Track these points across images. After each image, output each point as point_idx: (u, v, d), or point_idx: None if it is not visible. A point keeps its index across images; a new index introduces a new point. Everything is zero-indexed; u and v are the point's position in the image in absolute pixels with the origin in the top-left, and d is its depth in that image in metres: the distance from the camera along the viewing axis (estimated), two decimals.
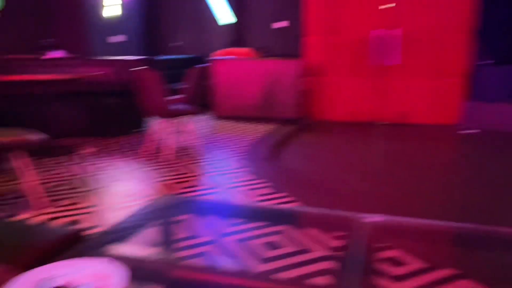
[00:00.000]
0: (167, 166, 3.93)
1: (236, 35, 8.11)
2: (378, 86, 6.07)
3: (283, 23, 7.75)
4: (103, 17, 7.90)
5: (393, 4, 5.74)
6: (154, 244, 1.46)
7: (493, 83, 5.74)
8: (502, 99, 5.62)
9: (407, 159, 4.44)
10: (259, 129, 5.63)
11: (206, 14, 8.30)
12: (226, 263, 2.14)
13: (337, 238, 2.35)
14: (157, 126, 4.57)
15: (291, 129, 5.62)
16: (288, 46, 7.33)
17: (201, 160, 4.16)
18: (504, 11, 6.38)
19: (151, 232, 1.43)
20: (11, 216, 2.69)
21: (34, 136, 2.79)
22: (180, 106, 4.30)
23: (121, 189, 3.33)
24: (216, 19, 8.27)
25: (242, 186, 3.39)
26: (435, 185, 3.55)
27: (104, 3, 7.91)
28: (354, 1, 5.95)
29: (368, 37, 5.93)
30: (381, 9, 5.83)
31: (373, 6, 5.87)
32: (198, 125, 5.73)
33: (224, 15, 8.19)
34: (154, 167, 3.89)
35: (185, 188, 3.33)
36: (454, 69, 5.76)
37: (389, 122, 6.01)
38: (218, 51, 7.11)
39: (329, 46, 6.15)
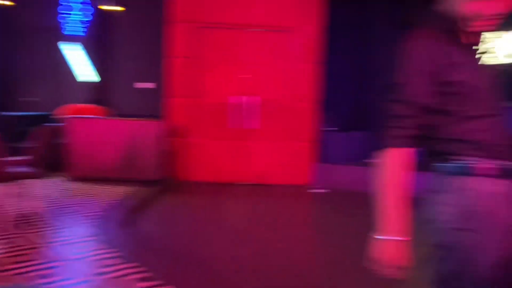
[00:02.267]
0: (1, 237, 3.44)
1: (98, 93, 7.82)
2: (238, 148, 6.34)
3: (148, 84, 7.75)
4: None
5: (249, 76, 6.20)
6: None
7: (338, 147, 6.44)
8: (346, 161, 6.31)
9: (266, 218, 4.61)
10: (118, 192, 5.34)
11: (65, 70, 7.90)
12: None
13: None
14: None
15: (152, 191, 5.46)
16: (152, 107, 7.30)
17: (45, 229, 3.74)
18: (346, 84, 7.36)
19: None
20: None
21: None
22: (22, 168, 3.88)
23: None
24: (76, 76, 7.91)
25: (88, 257, 3.11)
26: (293, 243, 3.72)
27: None
28: (216, 67, 6.27)
29: (231, 102, 6.25)
30: (241, 77, 6.24)
31: (234, 74, 6.25)
32: (48, 189, 5.22)
33: (85, 72, 7.88)
34: None
35: (19, 263, 2.93)
36: (304, 134, 6.33)
37: (249, 183, 6.25)
38: (63, 107, 6.73)
39: (192, 108, 6.29)
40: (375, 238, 1.30)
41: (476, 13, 1.26)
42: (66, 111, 6.54)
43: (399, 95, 1.29)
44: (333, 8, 6.89)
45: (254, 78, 6.28)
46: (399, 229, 1.29)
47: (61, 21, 7.68)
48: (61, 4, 7.62)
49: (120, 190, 5.43)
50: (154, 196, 5.29)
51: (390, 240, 1.28)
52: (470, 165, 1.29)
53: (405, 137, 1.28)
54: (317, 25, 6.22)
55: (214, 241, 3.72)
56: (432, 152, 1.34)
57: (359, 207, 5.18)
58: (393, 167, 1.29)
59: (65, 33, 7.75)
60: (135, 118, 6.19)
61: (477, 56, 1.36)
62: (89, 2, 7.69)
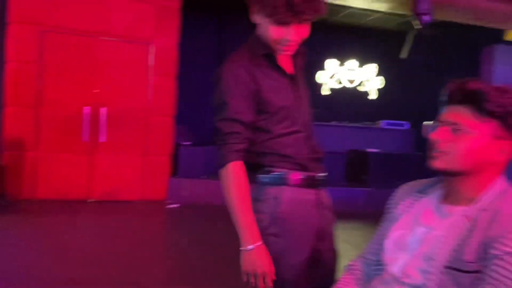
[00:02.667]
0: None
1: None
2: (87, 163, 5.94)
3: None
4: None
5: (98, 88, 5.89)
6: None
7: (195, 161, 6.47)
8: (202, 175, 6.38)
9: (119, 236, 4.38)
10: None
11: None
12: None
13: None
14: None
15: None
16: None
17: None
18: (203, 99, 7.49)
19: None
20: None
21: None
22: None
23: None
24: None
25: None
26: (149, 256, 3.59)
27: None
28: (63, 76, 5.80)
29: (76, 114, 5.83)
30: (91, 88, 5.89)
31: (83, 84, 5.86)
32: None
33: None
34: None
35: None
36: (159, 149, 6.23)
37: (100, 199, 5.90)
38: None
39: (33, 119, 5.67)
40: (243, 249, 1.36)
41: (281, 38, 1.38)
42: None
43: (225, 113, 1.37)
44: (191, 23, 7.02)
45: (106, 89, 5.96)
46: (259, 236, 1.37)
47: None
48: None
49: None
50: None
51: (256, 247, 1.35)
52: (282, 176, 1.43)
53: (238, 151, 1.37)
54: (174, 38, 6.24)
55: (48, 262, 3.39)
56: (252, 165, 1.43)
57: (209, 220, 5.31)
58: (237, 180, 1.37)
59: None
60: None
61: (293, 78, 1.51)
62: None
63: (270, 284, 1.35)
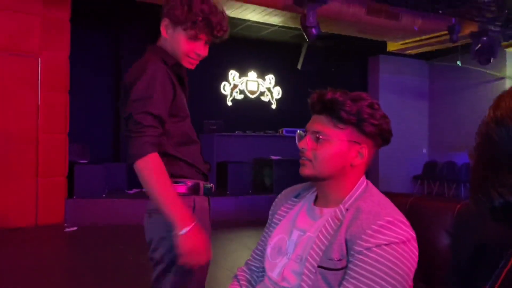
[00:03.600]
0: None
1: None
2: None
3: None
4: None
5: None
6: None
7: (91, 180, 6.08)
8: (100, 194, 6.04)
9: (14, 266, 3.96)
10: None
11: None
12: None
13: None
14: None
15: None
16: None
17: None
18: (102, 115, 7.14)
19: None
20: None
21: None
22: None
23: None
24: None
25: None
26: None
27: None
28: None
29: None
30: None
31: None
32: None
33: None
34: None
35: None
36: (54, 169, 5.80)
37: None
38: None
39: None
40: (179, 233, 1.36)
41: (193, 51, 1.54)
42: None
43: (148, 107, 1.41)
44: (83, 36, 6.69)
45: None
46: (191, 216, 1.41)
47: None
48: None
49: None
50: None
51: (192, 227, 1.37)
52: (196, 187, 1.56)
53: (155, 144, 1.40)
54: (64, 51, 5.88)
55: None
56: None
57: (109, 242, 5.05)
58: (158, 168, 1.40)
59: None
60: None
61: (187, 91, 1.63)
62: None
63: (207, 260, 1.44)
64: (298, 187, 1.35)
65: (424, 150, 9.88)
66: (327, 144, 1.15)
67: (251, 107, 8.66)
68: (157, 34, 1.59)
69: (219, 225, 4.85)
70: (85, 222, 5.69)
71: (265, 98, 8.89)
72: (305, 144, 1.18)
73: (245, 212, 6.46)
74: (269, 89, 8.89)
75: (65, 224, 5.67)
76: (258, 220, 6.23)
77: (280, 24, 7.12)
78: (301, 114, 8.29)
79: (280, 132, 8.19)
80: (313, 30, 5.54)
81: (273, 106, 8.96)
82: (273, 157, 7.37)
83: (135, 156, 1.38)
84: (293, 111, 8.56)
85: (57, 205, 5.78)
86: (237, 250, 4.78)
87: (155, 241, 1.52)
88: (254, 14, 6.49)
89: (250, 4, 5.92)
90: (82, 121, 6.56)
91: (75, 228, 5.53)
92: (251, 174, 7.15)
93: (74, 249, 4.97)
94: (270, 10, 6.22)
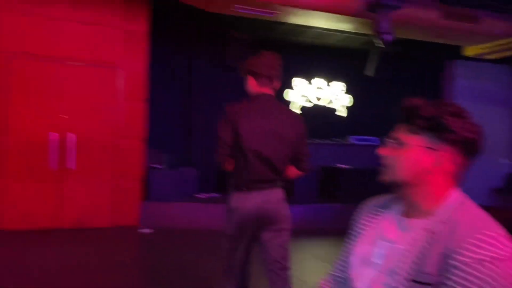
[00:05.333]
0: None
1: None
2: (54, 190, 5.78)
3: None
4: None
5: (66, 115, 5.80)
6: None
7: (167, 185, 6.40)
8: (174, 198, 6.30)
9: (92, 264, 4.25)
10: None
11: None
12: None
13: None
14: None
15: None
16: None
17: None
18: (174, 122, 7.46)
19: None
20: None
21: None
22: None
23: None
24: None
25: None
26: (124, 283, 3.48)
27: None
28: (28, 102, 5.68)
29: (42, 140, 5.70)
30: (54, 113, 5.78)
31: (49, 110, 5.75)
32: None
33: None
34: None
35: None
36: (130, 173, 6.14)
37: (70, 228, 5.73)
38: None
39: None
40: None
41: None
42: None
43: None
44: (162, 48, 7.03)
45: (74, 114, 5.88)
46: None
47: None
48: None
49: None
50: None
51: None
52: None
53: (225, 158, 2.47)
54: (142, 62, 6.23)
55: None
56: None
57: (183, 244, 5.23)
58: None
59: None
60: None
61: None
62: None
63: None
64: (383, 197, 1.33)
65: (505, 161, 9.19)
66: (403, 150, 1.16)
67: (317, 115, 8.57)
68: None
69: None
70: (159, 224, 5.94)
71: (332, 105, 8.76)
72: (383, 150, 1.21)
73: (310, 221, 6.41)
74: (337, 97, 8.76)
75: (140, 226, 5.95)
76: (324, 230, 6.17)
77: (350, 31, 7.01)
78: (370, 121, 8.03)
79: (348, 140, 8.03)
80: (387, 36, 5.39)
81: (341, 113, 8.80)
82: (341, 166, 7.24)
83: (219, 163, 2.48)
84: (362, 119, 8.37)
85: (133, 208, 6.10)
86: (305, 259, 4.75)
87: None
88: (323, 21, 6.46)
89: (322, 12, 5.91)
90: (159, 129, 6.89)
91: (149, 230, 5.79)
92: (317, 182, 7.07)
93: (149, 249, 5.19)
94: (340, 16, 6.16)
